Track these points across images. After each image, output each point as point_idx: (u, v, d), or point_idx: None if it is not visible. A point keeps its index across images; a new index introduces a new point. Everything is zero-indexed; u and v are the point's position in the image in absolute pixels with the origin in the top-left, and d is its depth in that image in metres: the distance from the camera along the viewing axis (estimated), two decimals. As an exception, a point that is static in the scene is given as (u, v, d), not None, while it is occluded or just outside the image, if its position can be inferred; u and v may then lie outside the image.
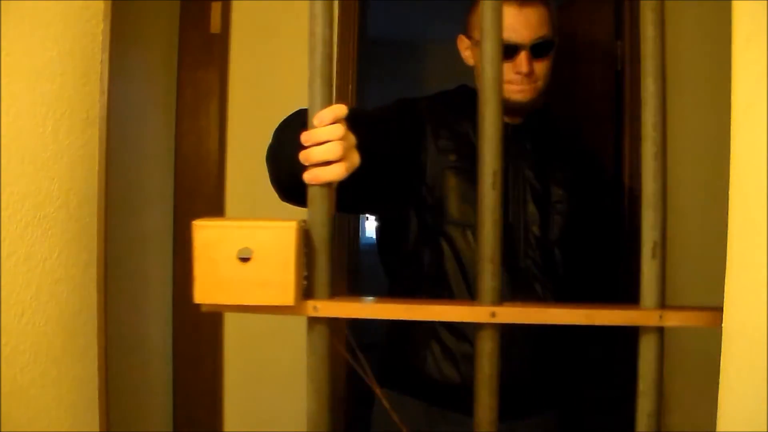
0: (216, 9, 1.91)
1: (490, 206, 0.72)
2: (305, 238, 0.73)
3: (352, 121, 0.79)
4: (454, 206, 1.19)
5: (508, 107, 1.22)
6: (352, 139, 0.79)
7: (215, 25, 1.91)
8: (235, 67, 1.95)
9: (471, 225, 1.18)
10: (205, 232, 0.71)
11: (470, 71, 1.26)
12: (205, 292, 0.71)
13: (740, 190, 0.64)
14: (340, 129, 0.73)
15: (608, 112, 2.01)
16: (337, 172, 0.74)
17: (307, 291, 0.73)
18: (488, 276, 0.73)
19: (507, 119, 1.24)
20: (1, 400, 0.70)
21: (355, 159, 0.79)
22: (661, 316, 0.71)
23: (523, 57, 1.15)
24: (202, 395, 1.91)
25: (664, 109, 0.71)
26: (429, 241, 1.21)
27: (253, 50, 1.95)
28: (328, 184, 0.73)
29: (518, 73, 1.16)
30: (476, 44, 1.22)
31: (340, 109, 0.73)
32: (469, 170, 1.19)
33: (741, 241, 0.64)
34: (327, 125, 0.73)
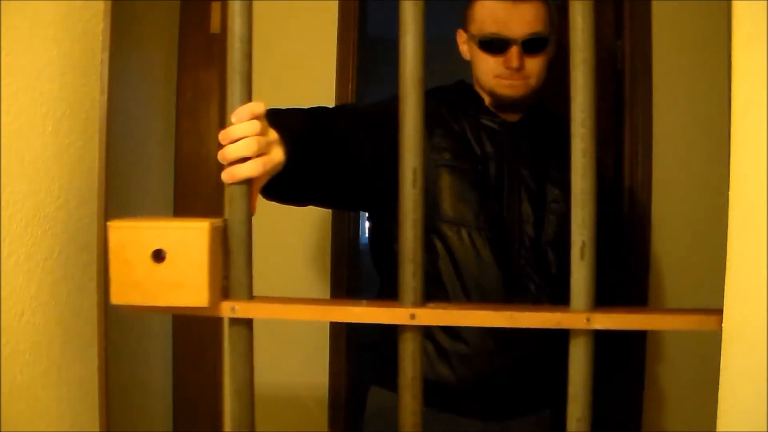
0: (216, 9, 1.91)
1: (411, 205, 0.71)
2: (224, 238, 0.72)
3: (299, 118, 0.82)
4: (448, 204, 1.18)
5: (499, 103, 1.22)
6: (273, 135, 0.78)
7: (215, 25, 1.91)
8: (235, 67, 1.95)
9: (466, 224, 1.17)
10: (118, 232, 0.71)
11: (470, 67, 1.26)
12: (120, 293, 0.71)
13: (740, 190, 0.64)
14: (256, 125, 0.73)
15: (608, 112, 2.01)
16: (252, 168, 0.73)
17: (226, 291, 0.72)
18: (409, 276, 0.71)
19: (504, 116, 1.24)
20: (1, 400, 0.70)
21: (277, 155, 0.78)
22: (588, 319, 0.69)
23: (514, 52, 1.15)
24: (202, 395, 1.91)
25: (594, 104, 0.69)
26: (423, 240, 1.21)
27: (253, 50, 1.95)
28: (247, 182, 0.72)
29: (508, 67, 1.16)
30: (471, 38, 1.21)
31: (257, 106, 0.73)
32: (464, 168, 1.19)
33: (741, 242, 0.64)
34: (244, 122, 0.72)
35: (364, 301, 0.83)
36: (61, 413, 0.80)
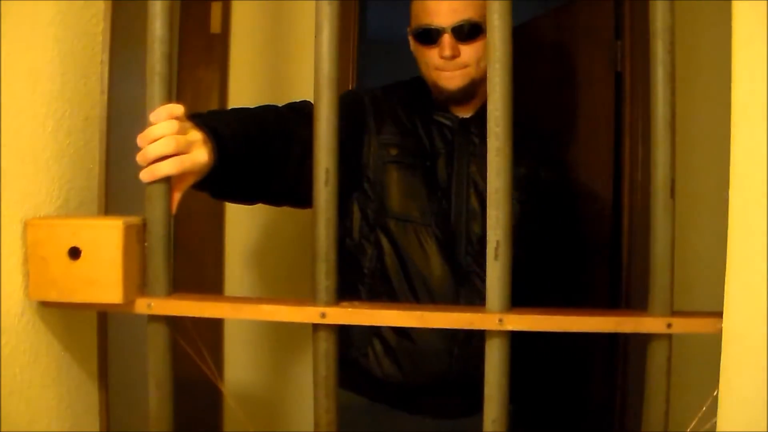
0: (216, 9, 1.91)
1: (323, 204, 0.71)
2: (141, 236, 0.73)
3: (233, 120, 0.84)
4: (395, 201, 1.18)
5: (444, 96, 1.21)
6: (196, 135, 0.80)
7: (215, 25, 1.91)
8: (235, 67, 1.95)
9: (412, 220, 1.17)
10: (34, 230, 0.72)
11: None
12: (37, 289, 0.72)
13: (740, 190, 0.64)
14: (173, 124, 0.75)
15: (608, 113, 2.01)
16: (171, 166, 0.75)
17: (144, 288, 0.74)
18: (321, 275, 0.71)
19: (457, 112, 1.24)
20: (1, 400, 0.70)
21: (200, 155, 0.79)
22: (501, 320, 0.69)
23: (445, 40, 1.15)
24: (202, 395, 1.91)
25: (509, 102, 0.69)
26: (370, 236, 1.20)
27: (253, 50, 1.95)
28: (166, 180, 0.74)
29: (443, 57, 1.16)
30: (410, 33, 1.23)
31: (176, 108, 0.76)
32: (412, 164, 1.19)
33: (741, 243, 0.64)
34: (162, 122, 0.75)
35: (278, 299, 0.83)
36: (61, 413, 0.80)
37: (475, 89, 1.21)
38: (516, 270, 1.17)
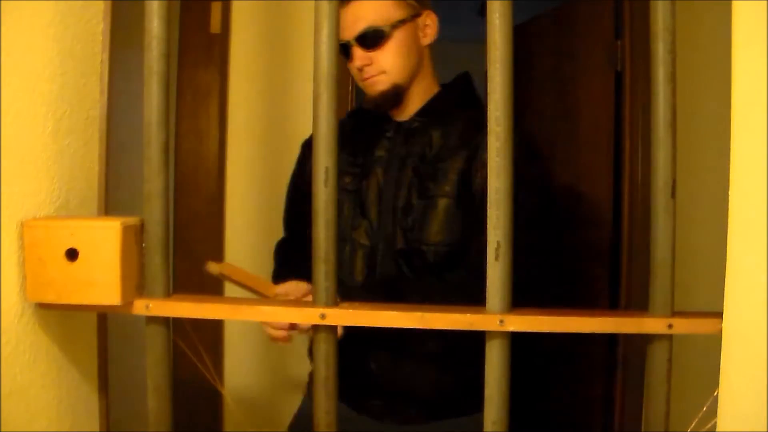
0: (216, 9, 1.91)
1: (323, 205, 0.70)
2: (139, 236, 0.73)
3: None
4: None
5: (375, 104, 1.22)
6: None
7: (215, 25, 1.91)
8: (235, 67, 1.95)
9: (343, 236, 1.20)
10: (31, 231, 0.71)
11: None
12: (35, 291, 0.72)
13: (740, 191, 0.64)
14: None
15: (608, 113, 2.01)
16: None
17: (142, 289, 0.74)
18: (321, 276, 0.71)
19: (397, 118, 1.24)
20: (1, 400, 0.70)
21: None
22: (501, 321, 0.68)
23: (354, 53, 1.17)
24: (202, 395, 1.91)
25: (510, 101, 0.68)
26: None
27: (253, 50, 1.95)
28: (164, 180, 0.75)
29: (358, 68, 1.18)
30: None
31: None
32: (352, 183, 1.22)
33: (741, 243, 0.64)
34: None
35: (278, 300, 0.83)
36: (61, 413, 0.80)
37: (403, 93, 1.21)
38: (450, 266, 1.15)
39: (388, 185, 1.20)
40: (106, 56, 0.89)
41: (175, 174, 1.91)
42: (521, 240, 1.06)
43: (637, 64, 1.89)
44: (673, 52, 0.67)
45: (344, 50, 1.18)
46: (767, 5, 0.61)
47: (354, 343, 1.13)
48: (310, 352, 1.23)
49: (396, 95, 1.20)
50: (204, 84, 1.93)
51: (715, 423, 0.66)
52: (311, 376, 1.28)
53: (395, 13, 1.17)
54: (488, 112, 0.69)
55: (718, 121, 1.53)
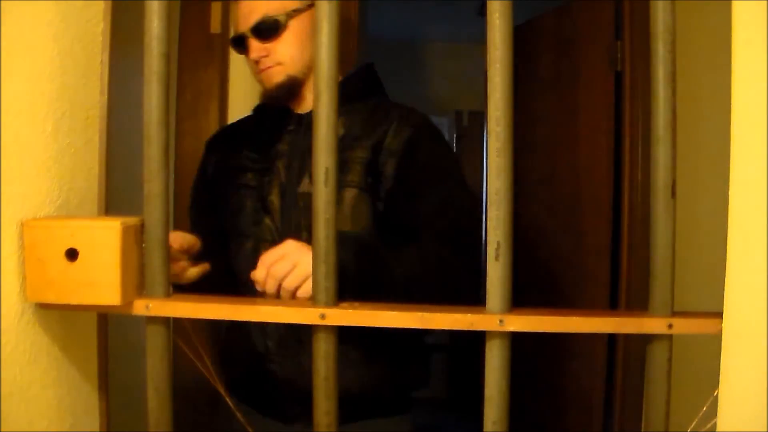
0: (216, 9, 1.91)
1: (322, 205, 0.70)
2: (139, 236, 0.73)
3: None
4: (230, 221, 1.24)
5: (271, 98, 1.20)
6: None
7: (215, 25, 1.92)
8: (235, 67, 1.95)
9: (246, 234, 1.20)
10: (31, 231, 0.71)
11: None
12: (35, 291, 0.72)
13: (740, 191, 0.64)
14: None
15: (608, 113, 2.01)
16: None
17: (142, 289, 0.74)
18: (321, 276, 0.70)
19: (296, 109, 1.22)
20: (1, 400, 0.70)
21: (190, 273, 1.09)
22: (502, 321, 0.68)
23: (249, 44, 1.16)
24: (202, 395, 1.91)
25: (510, 101, 0.68)
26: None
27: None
28: (164, 181, 0.77)
29: (254, 60, 1.17)
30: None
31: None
32: (254, 179, 1.22)
33: (741, 243, 0.64)
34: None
35: (278, 300, 0.82)
36: (61, 413, 0.80)
37: (300, 84, 1.19)
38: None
39: (291, 179, 1.18)
40: (106, 56, 0.89)
41: (175, 174, 1.91)
42: (438, 226, 1.06)
43: (637, 65, 1.90)
44: (673, 52, 0.67)
45: (237, 43, 1.18)
46: (767, 5, 0.61)
47: (285, 346, 1.15)
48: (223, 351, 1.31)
49: (292, 87, 1.18)
50: (204, 84, 1.93)
51: (715, 423, 0.66)
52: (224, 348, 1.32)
53: (291, 2, 1.16)
54: (488, 112, 0.69)
55: (718, 121, 1.53)
